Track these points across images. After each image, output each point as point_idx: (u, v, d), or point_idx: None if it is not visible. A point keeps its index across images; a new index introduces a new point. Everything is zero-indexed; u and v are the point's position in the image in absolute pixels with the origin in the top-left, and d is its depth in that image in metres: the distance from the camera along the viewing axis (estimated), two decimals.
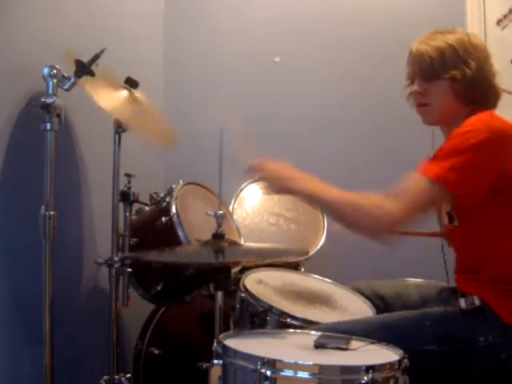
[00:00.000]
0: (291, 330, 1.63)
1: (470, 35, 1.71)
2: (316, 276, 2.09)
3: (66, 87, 1.76)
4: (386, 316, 1.74)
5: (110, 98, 1.93)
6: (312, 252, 2.42)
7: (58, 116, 1.73)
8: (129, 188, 2.03)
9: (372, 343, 1.43)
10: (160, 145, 2.35)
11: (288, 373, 1.25)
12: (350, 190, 2.32)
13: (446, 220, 1.74)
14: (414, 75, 1.72)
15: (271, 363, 1.25)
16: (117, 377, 2.00)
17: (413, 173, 1.57)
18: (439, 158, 1.57)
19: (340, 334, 1.47)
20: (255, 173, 1.76)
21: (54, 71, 1.73)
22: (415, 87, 1.71)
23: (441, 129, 1.79)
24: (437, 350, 1.57)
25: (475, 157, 1.53)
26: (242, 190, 2.56)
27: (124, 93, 1.99)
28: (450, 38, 1.67)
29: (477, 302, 1.61)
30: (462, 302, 1.63)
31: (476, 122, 1.59)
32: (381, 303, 1.88)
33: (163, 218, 2.03)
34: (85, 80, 1.79)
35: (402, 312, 1.71)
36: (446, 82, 1.67)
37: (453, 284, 1.79)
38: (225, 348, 1.34)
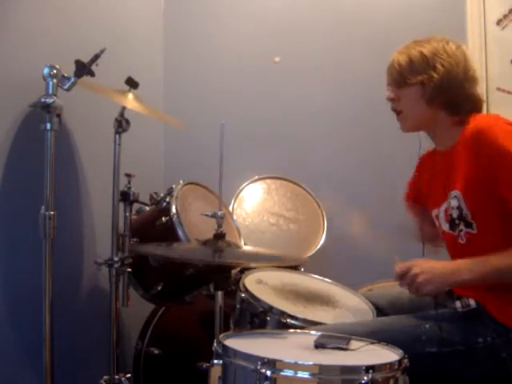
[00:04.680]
0: (291, 330, 1.63)
1: (449, 42, 1.72)
2: (316, 276, 2.09)
3: (65, 87, 1.76)
4: (385, 319, 1.74)
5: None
6: (312, 252, 2.42)
7: (58, 116, 1.73)
8: (129, 188, 2.03)
9: (372, 343, 1.43)
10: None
11: (288, 373, 1.25)
12: (349, 189, 2.33)
13: (446, 227, 1.74)
14: (389, 83, 1.77)
15: (271, 363, 1.25)
16: (117, 377, 2.00)
17: None
18: None
19: (340, 334, 1.47)
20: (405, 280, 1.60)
21: (54, 71, 1.73)
22: (388, 94, 1.77)
23: (428, 135, 1.81)
24: (437, 352, 1.57)
25: None
26: (241, 190, 2.56)
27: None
28: (424, 46, 1.71)
29: (472, 304, 1.62)
30: (458, 305, 1.64)
31: (492, 121, 1.61)
32: (377, 313, 1.87)
33: (163, 218, 2.03)
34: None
35: (402, 316, 1.71)
36: (415, 88, 1.70)
37: None
38: (225, 348, 1.34)
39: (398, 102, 1.75)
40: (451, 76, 1.68)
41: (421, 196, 1.91)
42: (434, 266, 1.60)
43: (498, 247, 1.57)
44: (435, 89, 1.68)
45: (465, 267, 1.57)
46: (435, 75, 1.67)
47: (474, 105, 1.72)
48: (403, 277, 1.60)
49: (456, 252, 1.73)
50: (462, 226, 1.67)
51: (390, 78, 1.77)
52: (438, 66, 1.67)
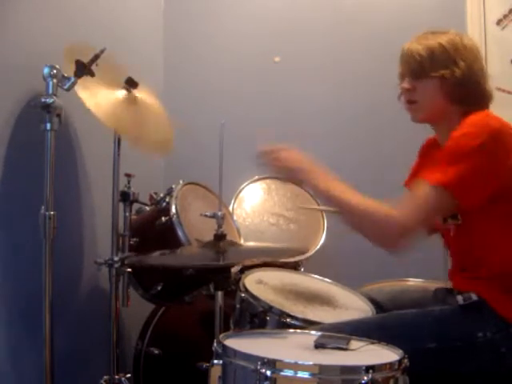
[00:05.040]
0: (291, 330, 1.63)
1: (463, 36, 1.72)
2: (316, 276, 2.09)
3: (65, 87, 1.76)
4: (385, 316, 1.74)
5: (106, 103, 1.92)
6: (312, 252, 2.42)
7: (58, 116, 1.72)
8: (129, 188, 2.03)
9: (372, 343, 1.43)
10: (155, 152, 2.36)
11: (288, 373, 1.24)
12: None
13: (439, 219, 1.74)
14: (404, 73, 1.75)
15: (271, 363, 1.24)
16: (117, 377, 2.00)
17: (418, 180, 1.58)
18: (441, 163, 1.57)
19: (340, 334, 1.47)
20: (267, 158, 1.70)
21: (54, 71, 1.73)
22: (405, 84, 1.74)
23: (432, 128, 1.81)
24: (437, 348, 1.57)
25: (476, 160, 1.54)
26: (241, 190, 2.56)
27: (122, 94, 1.99)
28: (442, 38, 1.69)
29: (474, 297, 1.62)
30: (460, 299, 1.64)
31: (474, 123, 1.60)
32: (376, 309, 1.87)
33: (163, 218, 2.03)
34: (84, 81, 1.79)
35: (401, 312, 1.71)
36: (434, 80, 1.69)
37: (448, 284, 1.80)
38: (225, 348, 1.34)
39: (414, 93, 1.73)
40: (472, 72, 1.68)
41: None
42: (304, 159, 1.69)
43: (479, 236, 1.61)
44: (456, 84, 1.67)
45: (324, 181, 1.66)
46: (457, 70, 1.66)
47: (486, 100, 1.73)
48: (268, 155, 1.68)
49: (448, 245, 1.76)
50: (449, 219, 1.69)
51: (406, 67, 1.73)
52: (460, 60, 1.67)
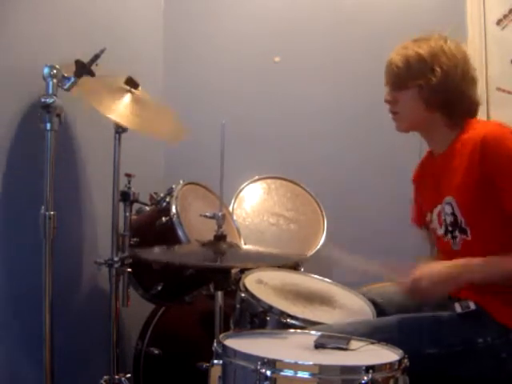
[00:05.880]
0: (291, 330, 1.63)
1: (448, 41, 1.70)
2: (316, 276, 2.09)
3: (65, 87, 1.76)
4: (385, 319, 1.74)
5: (112, 103, 1.93)
6: (312, 252, 2.42)
7: (58, 116, 1.72)
8: (129, 188, 2.03)
9: (372, 343, 1.43)
10: (169, 140, 2.34)
11: (288, 373, 1.25)
12: (349, 190, 2.32)
13: (440, 231, 1.74)
14: (386, 83, 1.76)
15: (271, 363, 1.25)
16: (117, 377, 2.00)
17: None
18: None
19: (340, 334, 1.47)
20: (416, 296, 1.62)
21: (54, 71, 1.72)
22: (386, 96, 1.75)
23: (421, 135, 1.80)
24: (437, 353, 1.57)
25: None
26: (241, 190, 2.56)
27: (126, 96, 2.00)
28: (422, 46, 1.68)
29: (472, 306, 1.61)
30: (458, 307, 1.63)
31: (497, 129, 1.60)
32: (376, 309, 1.86)
33: (163, 218, 2.03)
34: (85, 82, 1.79)
35: (401, 315, 1.71)
36: (413, 90, 1.69)
37: None
38: (225, 348, 1.34)
39: (395, 104, 1.74)
40: (449, 78, 1.66)
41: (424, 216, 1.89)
42: (437, 268, 1.60)
43: (495, 253, 1.58)
44: (432, 91, 1.66)
45: (477, 266, 1.57)
46: (433, 78, 1.65)
47: (469, 106, 1.72)
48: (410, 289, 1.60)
49: (450, 258, 1.71)
50: (456, 233, 1.67)
51: (387, 78, 1.75)
52: (437, 68, 1.65)
